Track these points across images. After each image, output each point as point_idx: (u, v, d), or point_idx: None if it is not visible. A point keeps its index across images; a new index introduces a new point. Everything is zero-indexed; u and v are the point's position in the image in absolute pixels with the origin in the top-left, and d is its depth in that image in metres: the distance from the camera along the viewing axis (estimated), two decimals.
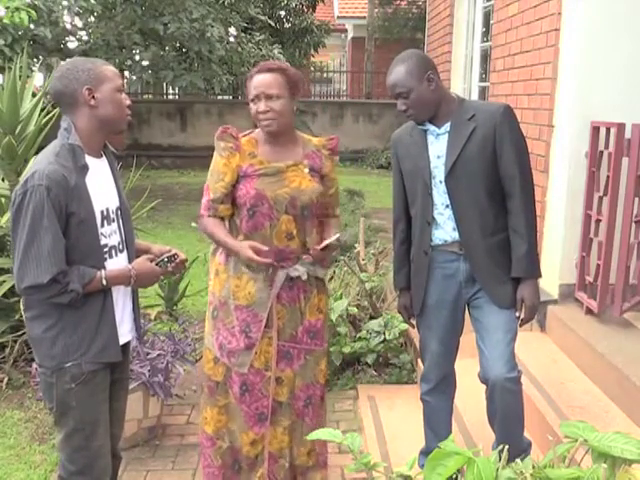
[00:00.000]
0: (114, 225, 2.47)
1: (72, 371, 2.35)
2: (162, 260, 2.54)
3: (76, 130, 2.35)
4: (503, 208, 2.77)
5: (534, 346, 3.91)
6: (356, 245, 5.42)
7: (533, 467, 1.42)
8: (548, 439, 2.63)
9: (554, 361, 3.76)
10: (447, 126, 2.78)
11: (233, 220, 2.91)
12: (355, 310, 4.47)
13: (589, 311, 3.86)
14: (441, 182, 2.78)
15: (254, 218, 2.81)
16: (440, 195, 2.80)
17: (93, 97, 2.35)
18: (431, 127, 2.80)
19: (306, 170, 2.93)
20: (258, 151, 2.90)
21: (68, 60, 2.51)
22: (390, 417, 3.85)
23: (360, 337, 4.37)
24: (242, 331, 2.86)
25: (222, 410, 2.98)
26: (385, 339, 4.30)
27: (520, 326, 2.83)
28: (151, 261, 2.53)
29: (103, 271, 2.36)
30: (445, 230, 2.82)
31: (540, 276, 2.85)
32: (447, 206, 2.79)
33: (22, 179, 2.28)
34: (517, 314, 2.79)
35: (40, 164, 2.26)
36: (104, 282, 2.35)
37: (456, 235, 2.80)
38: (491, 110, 2.76)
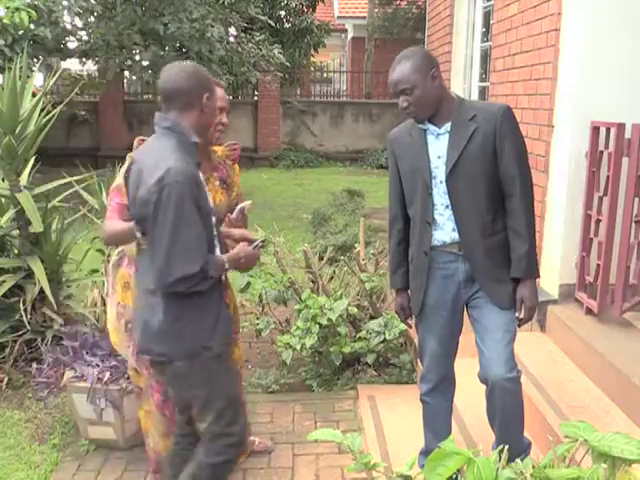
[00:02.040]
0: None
1: (207, 354, 2.48)
2: (257, 245, 2.70)
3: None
4: (502, 208, 2.77)
5: (534, 346, 3.91)
6: (356, 245, 5.42)
7: (533, 467, 1.42)
8: (548, 439, 2.63)
9: (554, 361, 3.76)
10: (447, 126, 2.76)
11: None
12: (355, 310, 4.47)
13: (589, 311, 3.86)
14: (442, 182, 2.76)
15: None
16: (440, 196, 2.79)
17: (206, 104, 2.50)
18: (431, 127, 2.78)
19: (217, 183, 2.94)
20: None
21: (184, 63, 2.60)
22: (390, 417, 3.84)
23: (360, 337, 4.37)
24: None
25: (147, 415, 3.14)
26: (385, 339, 4.30)
27: (519, 326, 2.83)
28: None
29: (224, 256, 2.54)
30: (445, 231, 2.81)
31: (539, 276, 2.86)
32: (447, 207, 2.78)
33: (150, 178, 2.33)
34: (517, 314, 2.79)
35: (168, 161, 2.34)
36: (226, 266, 2.53)
37: (456, 236, 2.79)
38: (492, 110, 2.75)
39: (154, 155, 2.42)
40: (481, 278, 2.80)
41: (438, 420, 3.07)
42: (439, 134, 2.78)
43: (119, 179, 2.83)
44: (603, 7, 3.94)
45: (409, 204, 2.91)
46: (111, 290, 3.05)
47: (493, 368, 2.71)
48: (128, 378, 3.48)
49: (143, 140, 2.79)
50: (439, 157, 2.77)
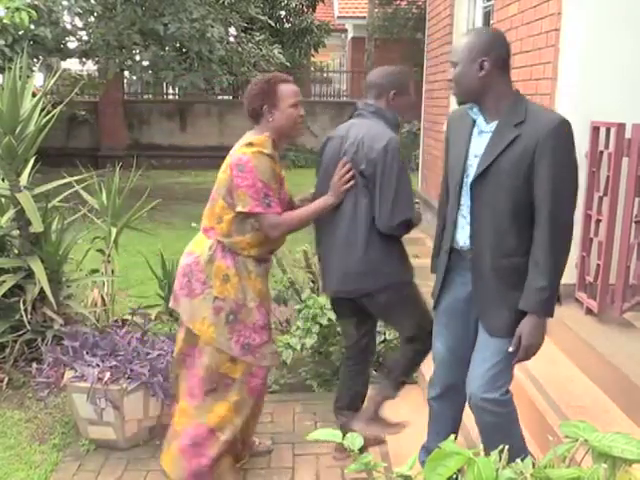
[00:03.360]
0: None
1: (406, 283, 3.20)
2: (419, 207, 3.27)
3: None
4: (529, 232, 2.49)
5: None
6: None
7: (533, 467, 1.42)
8: (548, 439, 2.63)
9: (554, 361, 3.76)
10: (493, 125, 2.54)
11: (249, 221, 3.02)
12: None
13: (589, 311, 3.86)
14: (470, 183, 2.60)
15: None
16: (467, 196, 2.62)
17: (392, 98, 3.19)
18: (480, 119, 2.59)
19: (283, 172, 3.23)
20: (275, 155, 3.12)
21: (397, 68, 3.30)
22: (390, 417, 3.84)
23: None
24: (264, 326, 3.11)
25: (232, 406, 3.14)
26: (385, 339, 4.30)
27: (513, 363, 2.62)
28: None
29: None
30: (464, 234, 2.67)
31: (550, 316, 2.56)
32: (470, 211, 2.62)
33: (377, 144, 3.02)
34: (510, 348, 2.55)
35: (386, 133, 3.06)
36: (421, 218, 3.27)
37: (470, 243, 2.65)
38: (543, 121, 2.44)
39: (373, 130, 3.08)
40: (476, 295, 2.66)
41: (441, 425, 3.03)
42: (483, 131, 2.58)
43: (264, 174, 2.97)
44: (604, 7, 3.94)
45: (447, 194, 2.80)
46: (201, 288, 3.07)
47: (471, 385, 2.64)
48: (128, 378, 3.49)
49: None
50: (475, 156, 2.59)
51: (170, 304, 3.28)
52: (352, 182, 3.06)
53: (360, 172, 3.05)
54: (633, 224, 3.68)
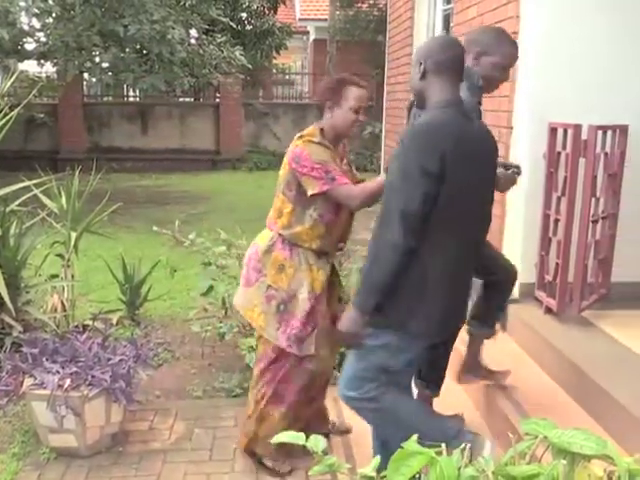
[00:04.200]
0: None
1: None
2: (513, 169, 3.13)
3: None
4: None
5: (496, 346, 3.94)
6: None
7: (495, 465, 1.44)
8: (509, 437, 2.66)
9: (515, 360, 3.81)
10: None
11: (308, 212, 3.08)
12: None
13: (548, 310, 3.92)
14: None
15: (337, 209, 3.10)
16: None
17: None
18: None
19: (345, 167, 3.22)
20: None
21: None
22: (355, 418, 3.84)
23: None
24: (309, 318, 3.14)
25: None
26: None
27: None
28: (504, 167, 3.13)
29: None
30: None
31: (363, 312, 2.46)
32: None
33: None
34: None
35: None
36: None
37: None
38: (412, 124, 2.68)
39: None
40: None
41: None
42: None
43: (319, 156, 3.04)
44: (560, 11, 4.01)
45: None
46: (256, 276, 3.19)
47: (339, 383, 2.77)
48: (89, 384, 3.44)
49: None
50: None
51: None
52: None
53: None
54: (590, 223, 3.75)
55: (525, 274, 4.12)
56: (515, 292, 4.15)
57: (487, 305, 3.36)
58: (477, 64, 3.02)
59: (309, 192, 3.02)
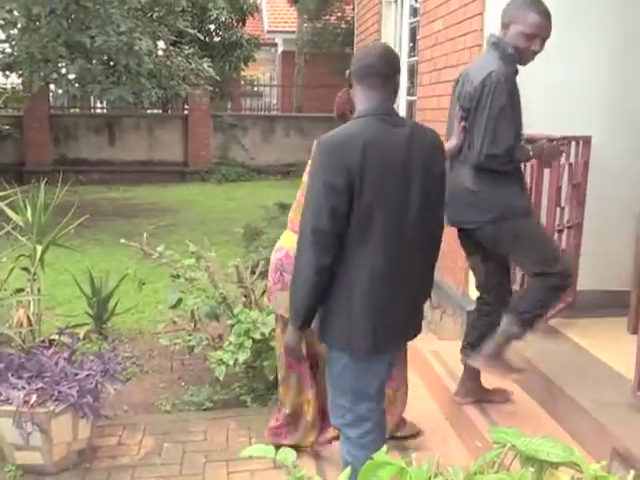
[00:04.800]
0: None
1: (516, 217, 3.14)
2: (557, 142, 3.34)
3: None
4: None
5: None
6: None
7: (464, 475, 1.45)
8: (478, 446, 2.68)
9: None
10: None
11: None
12: None
13: None
14: None
15: None
16: None
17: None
18: None
19: None
20: None
21: None
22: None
23: None
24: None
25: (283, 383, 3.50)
26: None
27: None
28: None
29: (530, 145, 3.21)
30: None
31: (295, 327, 2.51)
32: None
33: (477, 78, 3.05)
34: None
35: (490, 66, 3.05)
36: (530, 154, 3.20)
37: None
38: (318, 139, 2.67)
39: (481, 64, 3.15)
40: None
41: None
42: None
43: None
44: None
45: None
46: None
47: None
48: (56, 400, 3.38)
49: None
50: None
51: (268, 302, 3.55)
52: (463, 123, 3.16)
53: (461, 107, 3.16)
54: (555, 232, 3.80)
55: None
56: None
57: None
58: (506, 34, 3.14)
59: None
